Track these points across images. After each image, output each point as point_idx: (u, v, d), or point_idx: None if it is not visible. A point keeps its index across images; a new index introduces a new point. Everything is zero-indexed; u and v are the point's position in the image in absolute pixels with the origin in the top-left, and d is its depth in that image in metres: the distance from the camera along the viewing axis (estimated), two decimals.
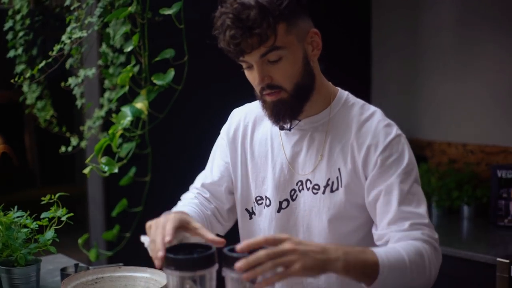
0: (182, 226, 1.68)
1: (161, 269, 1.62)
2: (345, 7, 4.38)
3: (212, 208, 2.10)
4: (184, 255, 1.59)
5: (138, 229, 3.32)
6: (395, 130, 1.88)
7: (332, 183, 1.89)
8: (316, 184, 1.91)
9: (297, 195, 1.95)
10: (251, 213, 2.06)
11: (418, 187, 1.84)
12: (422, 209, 1.80)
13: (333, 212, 1.89)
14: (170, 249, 1.62)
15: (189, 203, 2.07)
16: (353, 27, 4.47)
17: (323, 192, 1.90)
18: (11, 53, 3.49)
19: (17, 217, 2.24)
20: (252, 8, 1.73)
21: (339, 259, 1.55)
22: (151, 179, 3.27)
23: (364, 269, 1.59)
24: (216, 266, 1.63)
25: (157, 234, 1.64)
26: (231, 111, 2.23)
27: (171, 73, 2.81)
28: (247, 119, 2.10)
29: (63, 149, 3.37)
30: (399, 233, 1.75)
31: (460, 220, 3.73)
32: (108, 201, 3.47)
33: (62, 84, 3.23)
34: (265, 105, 1.89)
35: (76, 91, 3.22)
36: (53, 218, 2.27)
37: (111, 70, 3.24)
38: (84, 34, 2.88)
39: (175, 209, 2.05)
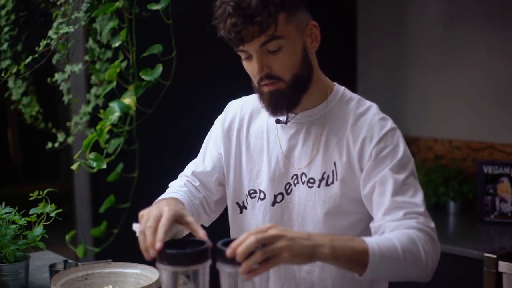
0: (177, 220, 1.67)
1: (151, 261, 1.62)
2: (330, 1, 4.37)
3: (200, 197, 2.07)
4: (178, 250, 1.59)
5: (126, 226, 3.30)
6: (390, 123, 1.88)
7: (328, 176, 1.89)
8: (312, 178, 1.91)
9: (292, 189, 1.95)
10: (241, 207, 2.05)
11: (414, 180, 1.83)
12: (418, 198, 1.79)
13: (329, 206, 1.88)
14: (164, 244, 1.61)
15: (177, 190, 2.02)
16: (339, 24, 4.46)
17: (318, 186, 1.90)
18: None
19: (5, 213, 2.23)
20: None
21: (325, 245, 1.55)
22: (138, 175, 3.26)
23: (353, 257, 1.59)
24: (209, 261, 1.62)
25: (149, 227, 1.63)
26: (220, 106, 2.22)
27: (159, 68, 2.80)
28: (244, 112, 2.09)
29: (49, 145, 3.34)
30: (393, 223, 1.74)
31: (447, 216, 3.75)
32: (95, 197, 3.45)
33: (49, 80, 3.22)
34: (262, 96, 1.89)
35: (63, 87, 3.20)
36: (41, 214, 2.26)
37: (98, 66, 3.22)
38: (71, 29, 2.86)
39: (164, 195, 2.01)
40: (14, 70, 3.05)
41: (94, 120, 3.20)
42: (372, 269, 1.60)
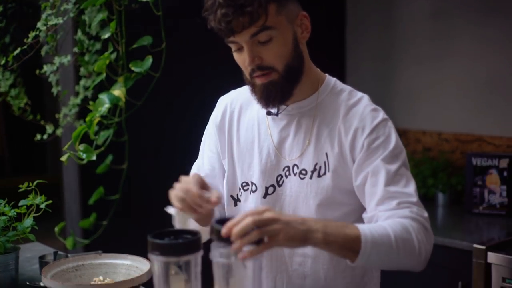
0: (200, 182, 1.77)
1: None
2: None
3: None
4: (170, 240, 1.59)
5: (115, 217, 3.31)
6: (381, 114, 1.88)
7: (320, 167, 1.89)
8: (303, 169, 1.91)
9: (283, 181, 1.95)
10: (236, 200, 2.05)
11: (406, 171, 1.84)
12: (411, 188, 1.79)
13: (321, 197, 1.88)
14: (156, 235, 1.61)
15: None
16: (328, 16, 4.46)
17: (310, 177, 1.89)
18: None
19: None
20: None
21: (318, 231, 1.56)
22: (128, 167, 3.25)
23: (345, 243, 1.60)
24: (201, 252, 1.62)
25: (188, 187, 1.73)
26: (210, 98, 2.22)
27: (149, 60, 2.79)
28: (233, 105, 2.09)
29: (38, 137, 3.33)
30: (387, 212, 1.74)
31: (436, 208, 3.76)
32: (84, 189, 3.45)
33: (37, 71, 3.20)
34: (254, 88, 1.88)
35: (52, 79, 3.19)
36: (31, 206, 2.25)
37: (87, 58, 3.21)
38: (59, 21, 2.84)
39: None
40: (3, 61, 3.04)
41: (83, 112, 3.19)
42: (364, 256, 1.61)
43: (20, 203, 2.23)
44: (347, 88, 1.97)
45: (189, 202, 1.71)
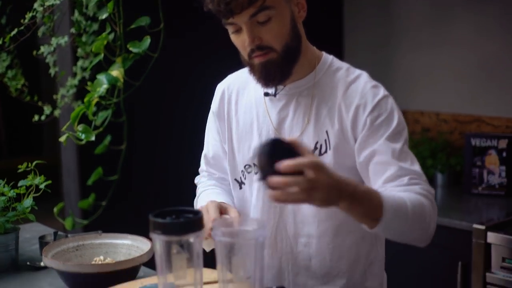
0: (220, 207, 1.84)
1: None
2: None
3: (227, 182, 2.14)
4: (171, 219, 1.58)
5: (114, 198, 3.30)
6: (382, 90, 1.88)
7: (321, 146, 1.88)
8: None
9: None
10: (240, 183, 2.05)
11: (408, 148, 1.85)
12: (417, 166, 1.81)
13: None
14: (157, 214, 1.60)
15: (209, 185, 2.16)
16: (326, 3, 4.42)
17: None
18: None
19: None
20: None
21: (347, 196, 1.53)
22: (126, 148, 3.25)
23: (368, 208, 1.60)
24: (203, 231, 1.62)
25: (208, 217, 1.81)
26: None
27: (147, 40, 2.77)
28: (230, 89, 2.09)
29: (36, 118, 3.32)
30: (398, 188, 1.74)
31: (435, 188, 3.71)
32: (82, 170, 3.44)
33: (34, 52, 3.18)
34: (253, 68, 1.87)
35: (49, 60, 3.17)
36: (30, 186, 2.24)
37: (84, 39, 3.19)
38: (56, 1, 2.82)
39: (201, 197, 2.13)
40: (0, 42, 3.02)
41: (80, 93, 3.17)
42: (383, 224, 1.61)
43: (20, 184, 2.23)
44: (345, 65, 1.97)
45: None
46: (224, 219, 1.75)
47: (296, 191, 1.44)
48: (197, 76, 3.64)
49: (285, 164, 1.42)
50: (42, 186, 2.22)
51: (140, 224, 2.24)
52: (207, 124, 2.18)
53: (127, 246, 2.14)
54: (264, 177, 1.47)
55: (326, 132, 1.88)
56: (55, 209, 3.14)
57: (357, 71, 1.93)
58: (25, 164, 2.26)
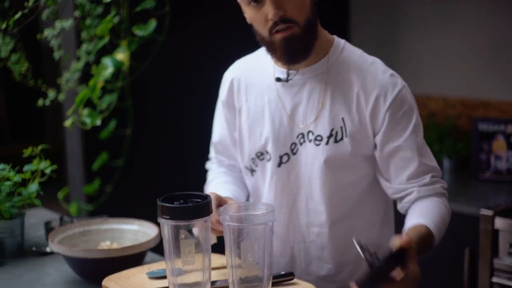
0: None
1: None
2: None
3: (238, 168, 2.15)
4: (179, 204, 1.57)
5: (120, 183, 3.28)
6: (400, 80, 1.86)
7: (336, 133, 1.86)
8: (319, 135, 1.88)
9: (297, 149, 1.92)
10: (251, 170, 2.03)
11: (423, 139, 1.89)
12: (434, 160, 1.88)
13: (337, 162, 1.87)
14: (165, 199, 1.59)
15: (219, 173, 2.16)
16: None
17: (327, 143, 1.87)
18: None
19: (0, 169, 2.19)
20: None
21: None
22: (132, 133, 3.23)
23: (430, 248, 1.75)
24: (211, 216, 1.61)
25: None
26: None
27: (153, 23, 2.75)
28: (238, 77, 2.05)
29: (40, 102, 3.29)
30: (422, 188, 1.83)
31: (441, 173, 3.73)
32: (87, 155, 3.42)
33: (38, 36, 3.16)
34: (274, 46, 1.83)
35: (53, 43, 3.14)
36: (34, 171, 2.22)
37: (88, 22, 3.16)
38: None
39: (209, 185, 2.15)
40: (3, 26, 2.99)
41: (84, 77, 3.15)
42: (431, 250, 1.76)
43: (25, 168, 2.21)
44: (357, 50, 1.94)
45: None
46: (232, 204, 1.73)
47: None
48: (204, 60, 3.61)
49: (398, 275, 1.49)
50: (48, 171, 2.20)
51: (145, 209, 2.23)
52: (215, 112, 2.15)
53: (134, 232, 2.12)
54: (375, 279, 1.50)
55: (342, 119, 1.86)
56: (60, 194, 3.12)
57: (371, 58, 1.91)
58: (30, 149, 2.23)
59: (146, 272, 1.81)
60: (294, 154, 1.92)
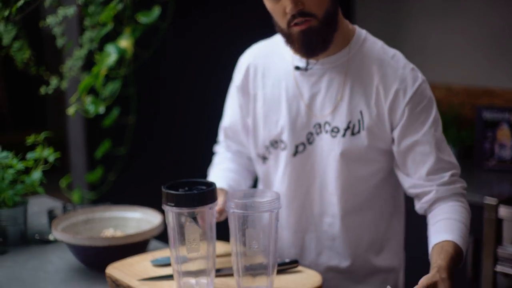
0: None
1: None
2: None
3: (246, 154, 2.13)
4: (184, 191, 1.56)
5: (123, 171, 3.28)
6: (420, 74, 1.84)
7: (353, 125, 1.84)
8: (335, 127, 1.86)
9: (314, 139, 1.90)
10: (263, 158, 2.02)
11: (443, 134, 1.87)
12: (454, 157, 1.85)
13: (353, 155, 1.86)
14: (170, 186, 1.58)
15: (224, 158, 2.16)
16: None
17: (343, 135, 1.85)
18: None
19: (3, 157, 2.18)
20: None
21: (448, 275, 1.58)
22: (135, 121, 3.22)
23: (460, 261, 1.69)
24: (216, 203, 1.60)
25: None
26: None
27: (156, 10, 2.73)
28: (255, 63, 2.02)
29: (43, 90, 3.28)
30: (441, 188, 1.79)
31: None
32: (90, 143, 3.41)
33: (41, 23, 3.14)
34: (292, 38, 1.80)
35: (56, 31, 3.13)
36: (37, 159, 2.21)
37: (91, 9, 3.14)
38: None
39: (212, 171, 2.15)
40: (6, 13, 2.97)
41: (87, 65, 3.14)
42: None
43: (28, 156, 2.20)
44: (379, 41, 1.91)
45: None
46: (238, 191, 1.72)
47: None
48: (208, 46, 3.59)
49: None
50: (51, 159, 2.19)
51: (148, 198, 2.22)
52: (228, 97, 2.13)
53: (137, 220, 2.11)
54: None
55: (360, 112, 1.84)
56: (63, 182, 3.11)
57: (392, 50, 1.88)
58: (33, 137, 2.22)
59: (150, 260, 1.81)
60: (310, 144, 1.91)
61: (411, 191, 1.85)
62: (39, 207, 2.58)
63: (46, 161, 2.21)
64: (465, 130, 3.76)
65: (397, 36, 4.17)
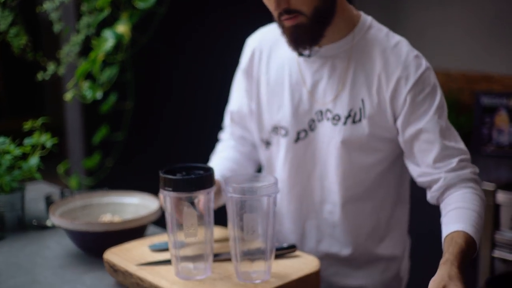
0: None
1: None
2: None
3: (250, 140, 2.13)
4: (182, 176, 1.56)
5: (120, 157, 3.27)
6: (424, 61, 1.80)
7: (355, 114, 1.82)
8: (337, 115, 1.84)
9: (315, 126, 1.89)
10: (266, 143, 2.01)
11: (449, 122, 1.82)
12: (462, 143, 1.79)
13: (354, 143, 1.84)
14: (168, 171, 1.58)
15: (226, 146, 2.15)
16: None
17: (344, 123, 1.83)
18: None
19: (0, 143, 2.18)
20: None
21: (458, 272, 1.51)
22: (132, 107, 3.21)
23: (474, 251, 1.61)
24: (214, 188, 1.60)
25: None
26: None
27: None
28: (261, 46, 2.01)
29: (40, 76, 3.27)
30: (449, 174, 1.73)
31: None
32: (87, 129, 3.40)
33: (38, 9, 3.13)
34: (283, 30, 1.79)
35: (53, 16, 3.12)
36: (35, 145, 2.21)
37: None
38: None
39: (213, 159, 2.14)
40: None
41: (84, 50, 3.13)
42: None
43: (25, 142, 2.19)
44: (384, 28, 1.88)
45: None
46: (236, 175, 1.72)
47: None
48: (206, 32, 3.58)
49: None
50: (48, 145, 2.18)
51: (146, 183, 2.22)
52: (234, 81, 2.12)
53: (135, 205, 2.11)
54: None
55: (362, 100, 1.81)
56: (60, 168, 3.11)
57: (397, 37, 1.85)
58: (30, 123, 2.21)
59: (148, 245, 1.81)
60: (312, 130, 1.89)
61: (421, 180, 1.80)
62: (36, 193, 2.57)
63: (43, 147, 2.20)
64: (463, 115, 3.76)
65: (395, 22, 4.16)
